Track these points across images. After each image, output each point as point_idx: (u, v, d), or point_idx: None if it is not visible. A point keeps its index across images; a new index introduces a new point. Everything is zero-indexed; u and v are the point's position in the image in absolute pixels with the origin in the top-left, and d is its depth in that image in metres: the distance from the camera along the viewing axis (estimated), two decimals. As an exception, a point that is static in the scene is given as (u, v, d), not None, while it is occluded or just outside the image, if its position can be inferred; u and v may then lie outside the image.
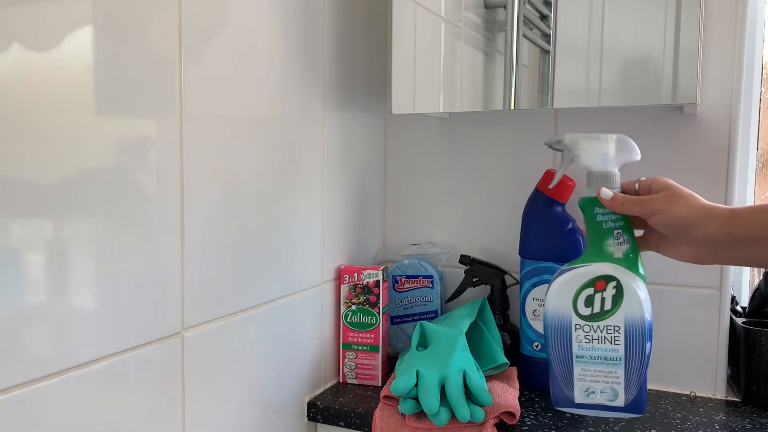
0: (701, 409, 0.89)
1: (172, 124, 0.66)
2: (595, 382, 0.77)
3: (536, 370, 0.96)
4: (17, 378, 0.52)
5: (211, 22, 0.71)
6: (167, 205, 0.66)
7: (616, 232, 0.73)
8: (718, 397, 0.94)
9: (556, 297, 0.76)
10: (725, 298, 0.93)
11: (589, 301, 0.75)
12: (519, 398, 0.91)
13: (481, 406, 0.80)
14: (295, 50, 0.87)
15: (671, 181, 0.69)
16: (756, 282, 0.98)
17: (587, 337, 0.76)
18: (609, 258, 0.74)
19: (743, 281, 1.06)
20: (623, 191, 0.71)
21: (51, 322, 0.54)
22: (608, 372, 0.76)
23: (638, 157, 0.75)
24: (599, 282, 0.74)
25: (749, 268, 1.05)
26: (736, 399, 0.93)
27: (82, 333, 0.57)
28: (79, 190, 0.56)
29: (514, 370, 0.95)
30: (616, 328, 0.74)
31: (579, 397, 0.77)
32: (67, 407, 0.56)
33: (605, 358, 0.76)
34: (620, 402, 0.76)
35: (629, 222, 0.74)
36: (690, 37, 0.82)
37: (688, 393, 0.95)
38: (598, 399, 0.77)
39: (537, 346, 0.95)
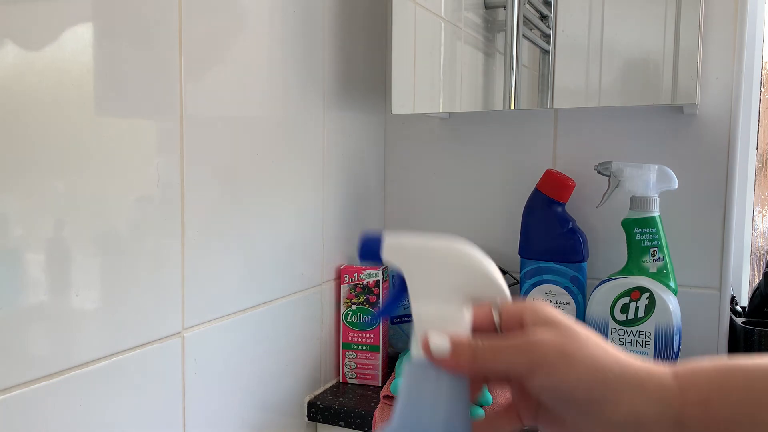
0: (701, 409, 0.89)
1: (173, 124, 0.66)
2: None
3: (536, 370, 0.96)
4: (17, 378, 0.52)
5: (211, 23, 0.71)
6: (167, 204, 0.66)
7: (652, 250, 0.86)
8: (718, 397, 0.94)
9: (596, 303, 0.89)
10: (725, 298, 0.93)
11: (624, 309, 0.87)
12: (519, 398, 0.91)
13: (481, 405, 0.80)
14: (295, 50, 0.87)
15: (554, 311, 0.40)
16: (756, 282, 0.98)
17: (621, 339, 0.87)
18: (645, 272, 0.87)
19: (743, 281, 1.06)
20: (476, 323, 0.40)
21: (51, 322, 0.54)
22: None
23: (676, 185, 0.86)
24: (634, 292, 0.86)
25: (749, 266, 1.05)
26: (735, 399, 0.93)
27: (82, 333, 0.57)
28: (79, 190, 0.56)
29: (514, 370, 0.95)
30: (647, 334, 0.86)
31: None
32: (67, 407, 0.56)
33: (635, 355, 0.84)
34: None
35: (665, 240, 0.85)
36: (690, 37, 0.82)
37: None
38: None
39: (537, 346, 0.95)
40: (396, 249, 0.41)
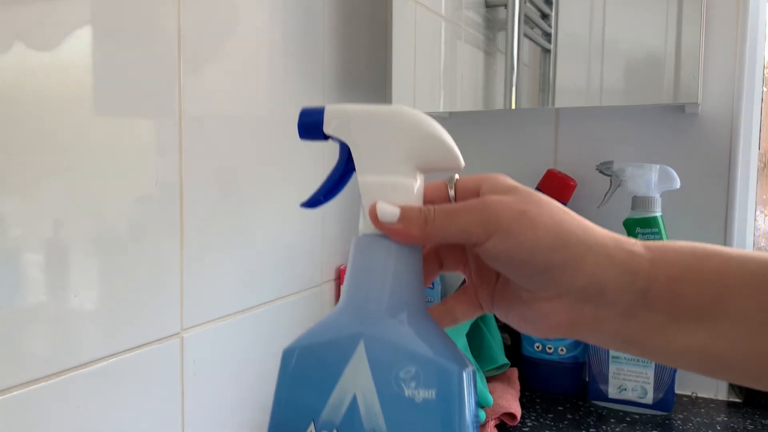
0: (703, 410, 0.89)
1: (171, 124, 0.66)
2: (627, 380, 0.88)
3: (537, 371, 0.95)
4: (16, 379, 0.51)
5: (210, 23, 0.71)
6: (166, 204, 0.65)
7: None
8: (720, 398, 0.94)
9: None
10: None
11: None
12: (520, 399, 0.90)
13: (482, 407, 0.80)
14: (295, 50, 0.87)
15: (515, 182, 0.37)
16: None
17: None
18: None
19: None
20: (429, 198, 0.38)
21: (50, 323, 0.54)
22: (639, 372, 0.87)
23: (678, 185, 0.86)
24: None
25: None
26: (737, 400, 0.92)
27: (80, 333, 0.57)
28: (78, 190, 0.56)
29: (514, 371, 0.95)
30: None
31: (613, 393, 0.89)
32: (65, 408, 0.55)
33: (637, 360, 0.87)
34: (649, 400, 0.87)
35: (666, 239, 0.86)
36: (692, 36, 0.82)
37: (690, 394, 0.95)
38: (630, 396, 0.88)
39: (538, 347, 0.95)
40: (339, 119, 0.37)
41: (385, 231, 0.35)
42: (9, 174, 0.50)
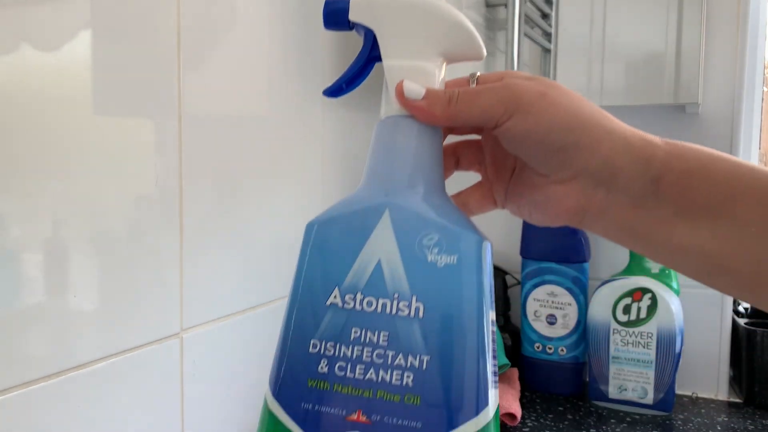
0: (703, 410, 0.89)
1: (171, 124, 0.66)
2: (627, 380, 0.88)
3: (537, 372, 0.95)
4: (16, 379, 0.51)
5: (209, 22, 0.71)
6: (166, 204, 0.65)
7: None
8: (720, 398, 0.94)
9: (598, 304, 0.89)
10: (727, 299, 0.93)
11: (626, 310, 0.87)
12: (520, 399, 0.90)
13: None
14: (295, 49, 0.87)
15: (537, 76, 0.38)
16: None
17: (623, 340, 0.88)
18: (647, 272, 0.87)
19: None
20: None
21: (49, 323, 0.54)
22: (640, 373, 0.87)
23: None
24: (636, 293, 0.86)
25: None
26: (738, 400, 0.92)
27: (80, 334, 0.57)
28: (77, 190, 0.56)
29: (515, 372, 0.95)
30: (649, 335, 0.86)
31: (613, 393, 0.89)
32: (65, 408, 0.55)
33: (638, 360, 0.87)
34: (649, 400, 0.87)
35: None
36: (692, 36, 0.82)
37: (690, 394, 0.95)
38: (630, 396, 0.88)
39: (538, 347, 0.95)
40: (365, 5, 0.38)
41: (408, 108, 0.36)
42: (8, 174, 0.50)
